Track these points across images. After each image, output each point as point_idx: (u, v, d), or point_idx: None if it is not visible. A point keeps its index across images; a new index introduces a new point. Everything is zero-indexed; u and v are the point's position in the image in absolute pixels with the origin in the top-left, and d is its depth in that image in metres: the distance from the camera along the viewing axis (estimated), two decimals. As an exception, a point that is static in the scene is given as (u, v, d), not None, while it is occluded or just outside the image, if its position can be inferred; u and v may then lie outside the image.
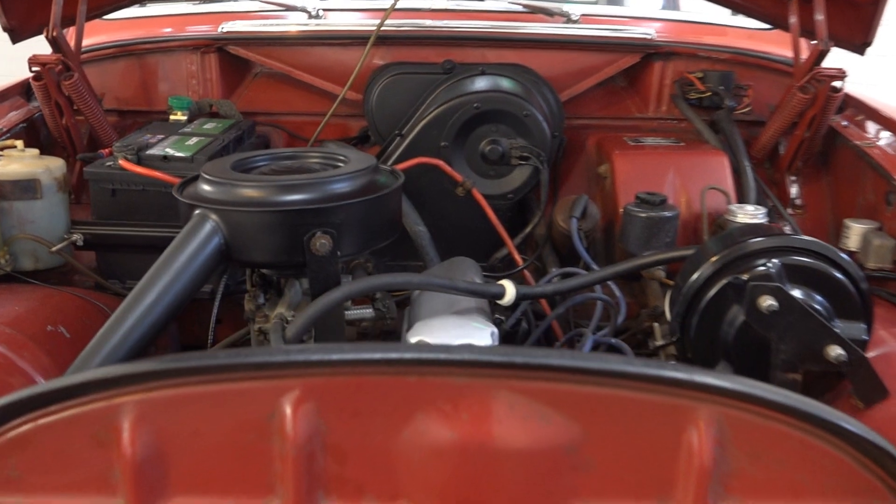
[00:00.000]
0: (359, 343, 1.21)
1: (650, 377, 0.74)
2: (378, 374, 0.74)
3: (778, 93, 2.33)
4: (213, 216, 1.35)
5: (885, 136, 2.15)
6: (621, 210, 2.07)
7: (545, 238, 2.12)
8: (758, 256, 1.40)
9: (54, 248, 1.83)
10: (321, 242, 1.34)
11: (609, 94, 2.52)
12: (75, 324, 1.70)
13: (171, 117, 2.33)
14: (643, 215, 1.91)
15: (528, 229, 2.11)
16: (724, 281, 1.39)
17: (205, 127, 2.21)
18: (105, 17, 2.46)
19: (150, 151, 1.92)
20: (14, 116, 2.34)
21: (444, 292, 1.49)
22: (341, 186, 1.40)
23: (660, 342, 1.54)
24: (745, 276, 1.37)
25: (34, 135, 2.35)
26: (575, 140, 2.39)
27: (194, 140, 2.04)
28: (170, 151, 1.92)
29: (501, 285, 1.51)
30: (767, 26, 2.46)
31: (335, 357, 0.72)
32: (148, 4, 2.71)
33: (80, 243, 1.90)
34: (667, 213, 1.90)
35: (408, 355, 0.73)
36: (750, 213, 1.91)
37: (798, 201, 2.30)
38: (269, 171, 1.49)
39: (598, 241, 2.17)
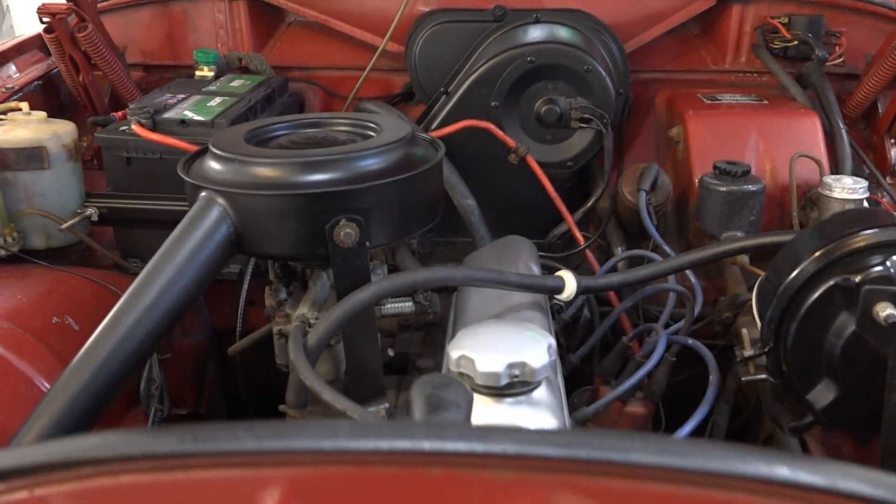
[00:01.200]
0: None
1: (774, 480, 0.52)
2: (390, 464, 0.54)
3: (876, 41, 2.04)
4: (221, 200, 1.16)
5: None
6: (696, 180, 1.82)
7: (609, 212, 1.88)
8: (872, 253, 1.15)
9: (64, 226, 1.67)
10: (346, 232, 1.13)
11: (680, 44, 2.23)
12: (87, 313, 1.54)
13: (197, 73, 2.13)
14: (723, 189, 1.66)
15: (590, 202, 1.87)
16: (830, 282, 1.15)
17: (231, 85, 2.00)
18: (125, -39, 2.26)
19: (167, 115, 1.73)
20: (31, 73, 2.17)
21: (492, 287, 1.28)
22: (370, 163, 1.18)
23: (749, 352, 1.32)
24: (856, 278, 1.13)
25: (53, 93, 2.19)
26: (642, 97, 2.12)
27: (218, 101, 1.84)
28: (188, 114, 1.73)
29: (560, 278, 1.30)
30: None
31: (329, 445, 0.52)
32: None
33: (95, 218, 1.73)
34: (751, 187, 1.65)
35: (428, 445, 0.52)
36: (848, 188, 1.64)
37: None
38: (287, 142, 1.29)
39: (669, 216, 1.92)
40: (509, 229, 1.94)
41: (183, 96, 1.86)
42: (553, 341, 1.13)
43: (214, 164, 1.21)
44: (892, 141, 2.03)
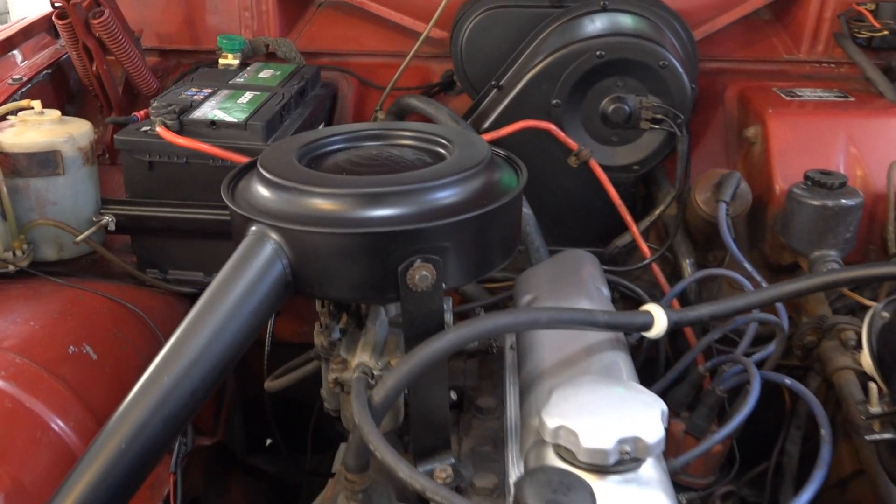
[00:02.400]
0: None
1: None
2: None
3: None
4: (275, 235, 0.98)
5: None
6: (777, 188, 1.64)
7: (678, 221, 1.70)
8: None
9: (79, 238, 1.50)
10: (421, 275, 0.96)
11: (750, 31, 2.03)
12: (105, 338, 1.38)
13: (221, 61, 1.94)
14: (816, 203, 1.48)
15: (658, 210, 1.69)
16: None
17: (260, 76, 1.82)
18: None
19: (194, 115, 1.55)
20: (39, 60, 1.99)
21: (579, 328, 1.11)
22: (449, 195, 1.00)
23: (876, 408, 1.15)
24: None
25: (63, 81, 2.00)
26: (708, 89, 1.93)
27: (248, 96, 1.65)
28: (218, 114, 1.54)
29: (648, 313, 1.13)
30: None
31: None
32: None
33: (112, 227, 1.56)
34: (848, 202, 1.47)
35: None
36: (961, 202, 1.47)
37: None
38: (347, 163, 1.10)
39: (740, 223, 1.74)
40: (564, 237, 1.77)
41: (209, 91, 1.68)
42: (665, 407, 0.96)
43: (265, 192, 1.03)
44: None
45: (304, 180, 1.01)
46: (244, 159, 1.46)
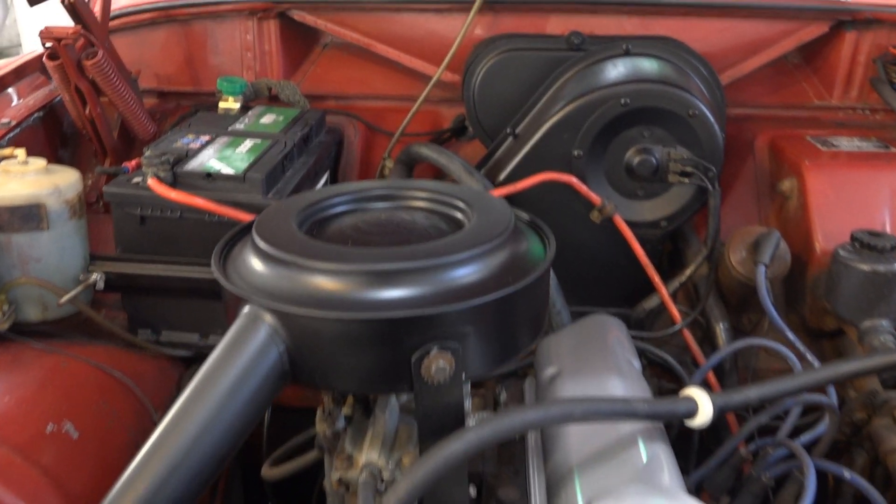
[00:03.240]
0: None
1: None
2: None
3: None
4: (270, 317, 0.86)
5: None
6: (818, 247, 1.52)
7: (710, 283, 1.57)
8: None
9: (63, 299, 1.38)
10: (438, 366, 0.84)
11: (779, 75, 1.93)
12: (88, 412, 1.26)
13: (221, 104, 1.84)
14: (866, 268, 1.36)
15: (689, 270, 1.57)
16: None
17: (262, 121, 1.71)
18: (140, -27, 1.97)
19: (189, 165, 1.44)
20: (31, 102, 1.89)
21: (618, 421, 0.99)
22: (470, 272, 0.89)
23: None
24: None
25: (55, 125, 1.90)
26: (737, 138, 1.82)
27: (248, 144, 1.55)
28: (215, 165, 1.43)
29: (691, 400, 1.00)
30: None
31: None
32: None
33: (101, 286, 1.45)
34: (901, 266, 1.35)
35: None
36: None
37: None
38: (352, 229, 0.99)
39: (777, 284, 1.61)
40: (587, 297, 1.65)
41: (207, 138, 1.57)
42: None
43: (259, 265, 0.91)
44: None
45: (303, 252, 0.89)
46: (242, 215, 1.35)
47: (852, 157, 1.65)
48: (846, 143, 1.71)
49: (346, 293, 0.86)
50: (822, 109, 1.89)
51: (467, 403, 1.02)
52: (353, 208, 1.04)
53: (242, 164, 1.44)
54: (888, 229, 1.52)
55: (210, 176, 1.41)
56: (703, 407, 1.01)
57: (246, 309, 0.88)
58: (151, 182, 1.37)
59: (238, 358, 0.85)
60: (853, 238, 1.39)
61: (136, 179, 1.44)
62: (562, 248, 1.59)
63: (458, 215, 1.01)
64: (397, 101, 1.94)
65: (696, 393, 1.02)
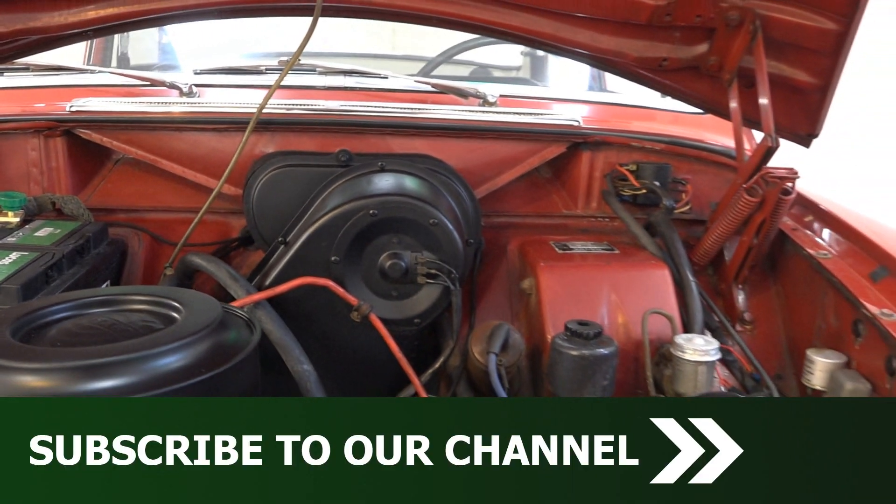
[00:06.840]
0: None
1: None
2: None
3: (720, 188, 2.06)
4: None
5: (838, 244, 1.87)
6: (548, 337, 1.73)
7: (459, 372, 1.75)
8: None
9: None
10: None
11: (533, 188, 2.19)
12: None
13: (0, 219, 1.88)
14: (574, 353, 1.57)
15: (438, 363, 1.74)
16: None
17: (37, 234, 1.77)
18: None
19: (-54, 278, 1.48)
20: None
21: None
22: (170, 362, 1.00)
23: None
24: None
25: None
26: (495, 242, 2.05)
27: (13, 256, 1.60)
28: (-31, 278, 1.48)
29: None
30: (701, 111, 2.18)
31: None
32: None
33: None
34: (603, 351, 1.57)
35: None
36: (700, 349, 1.60)
37: (747, 315, 2.01)
38: (67, 334, 1.08)
39: (524, 371, 1.81)
40: (352, 390, 1.78)
41: (-26, 251, 1.61)
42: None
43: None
44: (740, 288, 2.03)
45: (8, 354, 0.97)
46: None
47: (580, 258, 1.90)
48: (580, 247, 1.96)
49: (51, 391, 0.94)
50: (569, 217, 2.16)
51: None
52: (71, 314, 1.13)
53: (0, 277, 1.49)
54: (606, 318, 1.75)
55: (-38, 290, 1.45)
56: None
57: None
58: None
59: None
60: (566, 327, 1.60)
61: None
62: (328, 347, 1.73)
63: (174, 314, 1.13)
64: (185, 213, 2.03)
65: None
